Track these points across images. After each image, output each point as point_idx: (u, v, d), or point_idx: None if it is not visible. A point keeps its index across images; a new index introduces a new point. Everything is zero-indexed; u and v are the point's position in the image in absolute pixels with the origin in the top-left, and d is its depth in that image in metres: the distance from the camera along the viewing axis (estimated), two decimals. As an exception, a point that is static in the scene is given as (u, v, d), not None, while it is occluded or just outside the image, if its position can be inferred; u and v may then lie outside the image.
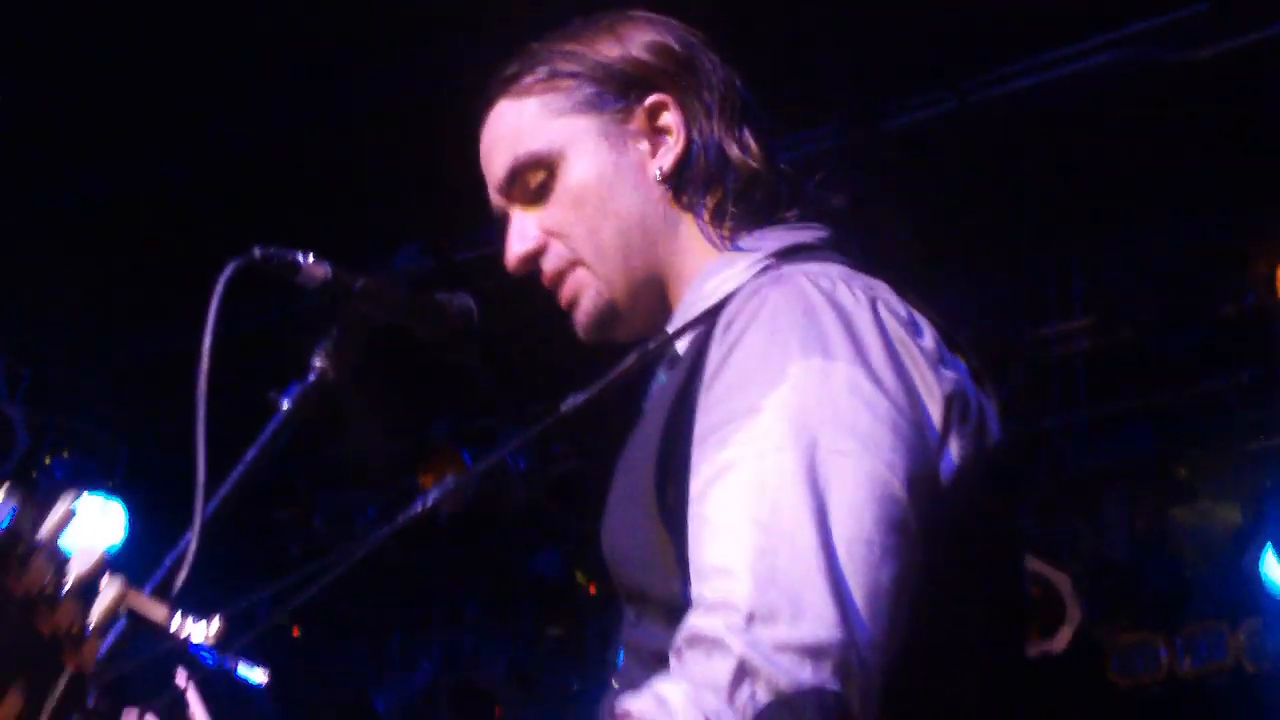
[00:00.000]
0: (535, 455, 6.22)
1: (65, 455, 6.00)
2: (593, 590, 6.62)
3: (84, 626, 1.45)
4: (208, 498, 1.74)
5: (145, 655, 1.62)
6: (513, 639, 6.70)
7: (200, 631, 1.57)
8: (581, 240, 2.09)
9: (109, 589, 1.48)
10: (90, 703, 1.46)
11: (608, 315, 2.11)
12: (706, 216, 2.08)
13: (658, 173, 2.08)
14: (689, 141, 2.09)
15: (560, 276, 2.12)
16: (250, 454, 1.81)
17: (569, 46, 2.13)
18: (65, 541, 1.48)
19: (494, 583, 6.76)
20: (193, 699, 1.82)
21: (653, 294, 2.10)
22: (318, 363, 1.92)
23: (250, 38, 4.65)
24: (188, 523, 1.73)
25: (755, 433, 1.72)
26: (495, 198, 2.17)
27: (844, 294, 1.83)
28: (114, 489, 6.03)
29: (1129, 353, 5.61)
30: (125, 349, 5.89)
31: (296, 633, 6.90)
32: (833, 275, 1.86)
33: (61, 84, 4.80)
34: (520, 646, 6.68)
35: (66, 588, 1.45)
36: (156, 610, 1.56)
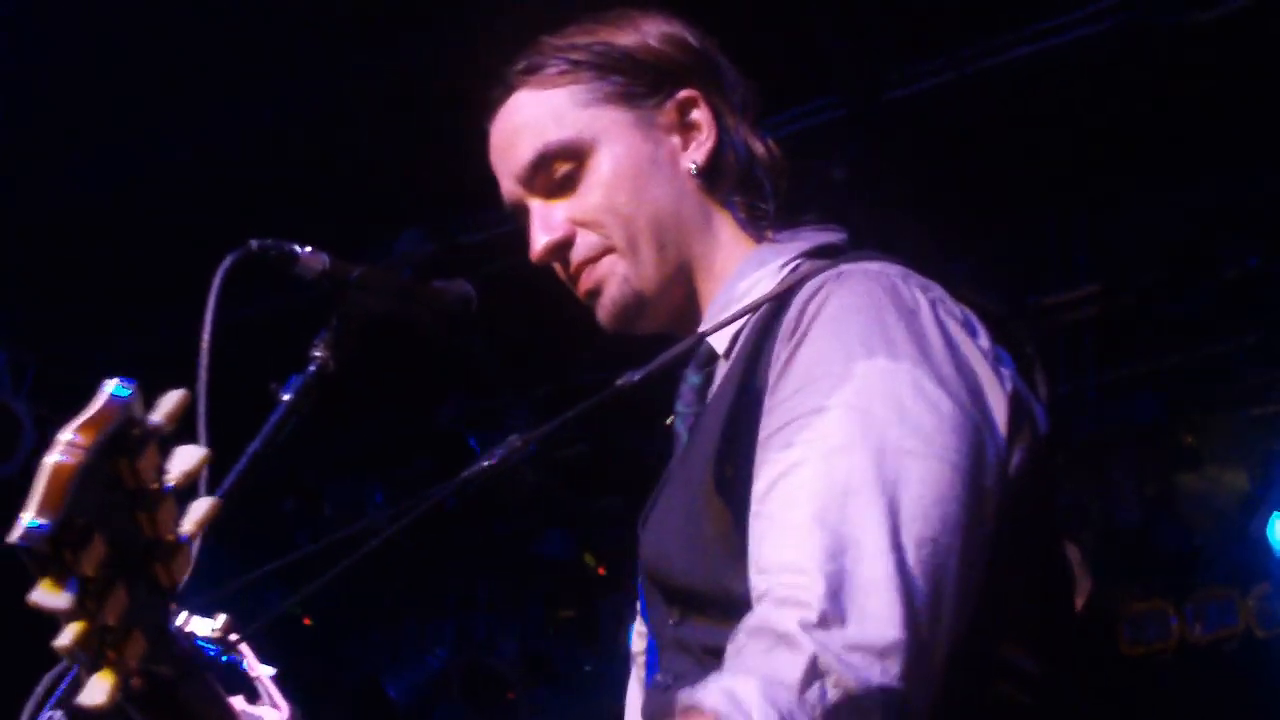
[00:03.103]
0: (543, 438, 6.22)
1: (71, 449, 5.98)
2: (602, 571, 6.63)
3: (179, 535, 1.32)
4: (211, 492, 1.74)
5: None
6: (524, 622, 6.71)
7: (205, 627, 1.56)
8: (615, 229, 2.06)
9: (204, 498, 1.35)
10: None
11: (634, 305, 2.08)
12: (742, 212, 2.08)
13: (692, 167, 2.08)
14: (720, 137, 2.09)
15: (586, 265, 2.08)
16: (253, 447, 1.80)
17: (586, 38, 2.11)
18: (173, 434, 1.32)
19: (504, 566, 6.77)
20: (247, 653, 1.80)
21: (681, 288, 2.09)
22: (318, 353, 1.92)
23: (250, 25, 4.63)
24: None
25: (821, 432, 1.73)
26: (513, 188, 2.13)
27: (905, 291, 1.84)
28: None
29: (1134, 319, 5.60)
30: (130, 342, 5.88)
31: (308, 621, 6.91)
32: (892, 274, 1.87)
33: (61, 76, 4.79)
34: (531, 629, 6.69)
35: (170, 486, 1.30)
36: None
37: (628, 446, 6.19)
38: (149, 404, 1.27)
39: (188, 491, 1.32)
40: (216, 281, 1.82)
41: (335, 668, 6.93)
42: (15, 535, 1.18)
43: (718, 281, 2.07)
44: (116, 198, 5.23)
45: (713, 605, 1.83)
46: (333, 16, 4.60)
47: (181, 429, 1.31)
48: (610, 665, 6.61)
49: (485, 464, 1.90)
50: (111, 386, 1.24)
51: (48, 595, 1.21)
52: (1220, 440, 5.91)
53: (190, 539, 1.31)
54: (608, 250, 2.07)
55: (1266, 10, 4.57)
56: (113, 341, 5.93)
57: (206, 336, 1.79)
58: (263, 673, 1.88)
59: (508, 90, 2.12)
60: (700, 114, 2.09)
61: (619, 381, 1.94)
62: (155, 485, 1.29)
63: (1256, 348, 5.64)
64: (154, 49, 4.67)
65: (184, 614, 1.58)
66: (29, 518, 1.18)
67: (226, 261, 1.85)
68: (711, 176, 2.08)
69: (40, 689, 1.61)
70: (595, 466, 6.32)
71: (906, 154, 5.07)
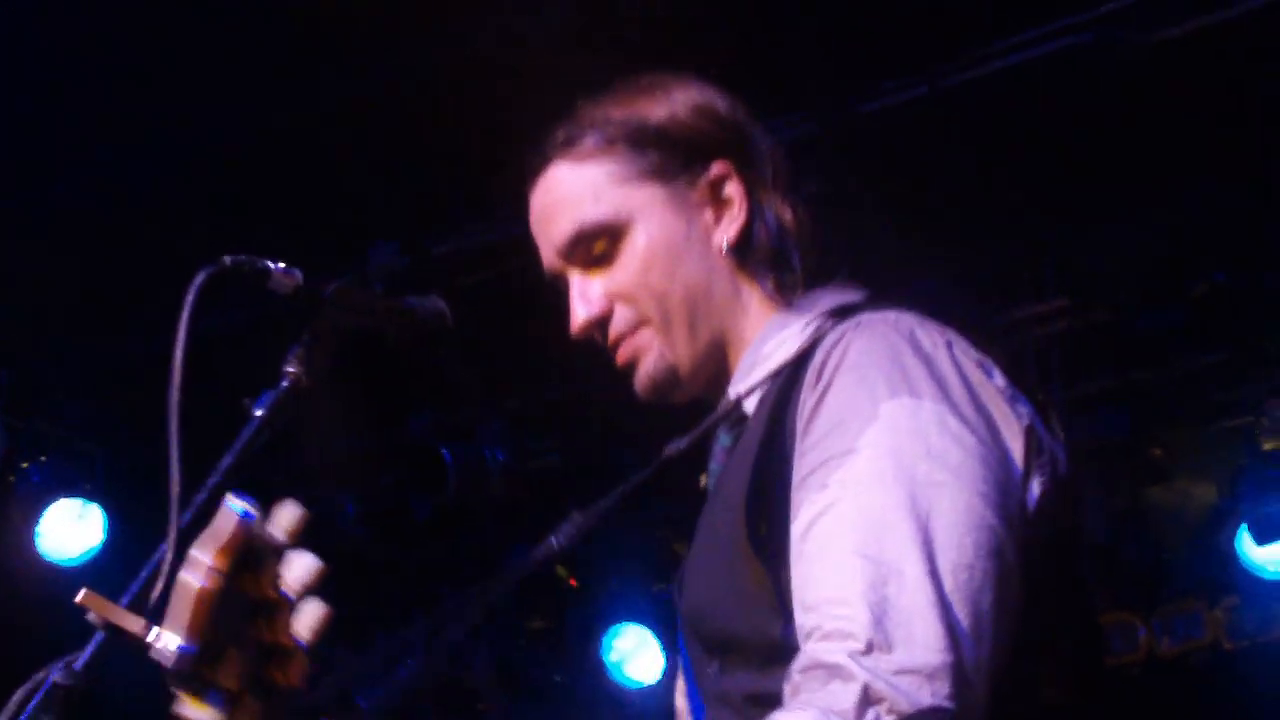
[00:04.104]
0: (514, 449, 6.22)
1: (43, 459, 5.97)
2: (573, 583, 6.64)
3: (295, 640, 1.41)
4: (183, 507, 1.74)
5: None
6: (495, 633, 6.70)
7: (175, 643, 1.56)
8: (649, 304, 2.14)
9: (318, 605, 1.44)
10: None
11: (669, 379, 2.16)
12: (770, 284, 2.15)
13: (724, 243, 2.14)
14: (751, 212, 2.15)
15: (623, 339, 2.16)
16: (225, 463, 1.81)
17: (622, 112, 2.17)
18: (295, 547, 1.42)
19: (475, 578, 6.76)
20: None
21: (714, 360, 2.16)
22: (290, 369, 1.92)
23: (221, 39, 4.63)
24: (166, 529, 1.73)
25: (854, 471, 1.82)
26: (552, 259, 2.20)
27: (923, 337, 1.94)
28: (92, 493, 5.99)
29: (1103, 334, 5.64)
30: (104, 352, 5.87)
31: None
32: (909, 321, 1.97)
33: (29, 86, 4.78)
34: (502, 640, 6.68)
35: (291, 597, 1.41)
36: (133, 622, 1.55)
37: (599, 459, 6.19)
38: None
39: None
40: (190, 297, 1.82)
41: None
42: (166, 659, 1.29)
43: (745, 348, 2.15)
44: (88, 208, 5.22)
45: (754, 653, 1.91)
46: (305, 30, 4.61)
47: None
48: (581, 677, 6.62)
49: (555, 545, 2.09)
50: (237, 507, 1.36)
51: (194, 711, 1.31)
52: (1189, 454, 5.95)
53: (307, 645, 1.42)
54: (643, 323, 2.14)
55: (1235, 28, 4.61)
56: (84, 350, 5.92)
57: (179, 352, 1.79)
58: None
59: (545, 161, 2.19)
60: (732, 189, 2.15)
61: (666, 451, 2.07)
62: (274, 594, 1.39)
63: (1224, 363, 5.68)
64: (125, 62, 4.67)
65: (154, 630, 1.57)
66: (176, 641, 1.28)
67: (199, 277, 1.85)
68: (742, 252, 2.15)
69: (12, 705, 1.61)
70: (566, 478, 6.32)
71: (878, 168, 5.10)
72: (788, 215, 2.16)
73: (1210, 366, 5.69)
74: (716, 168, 2.15)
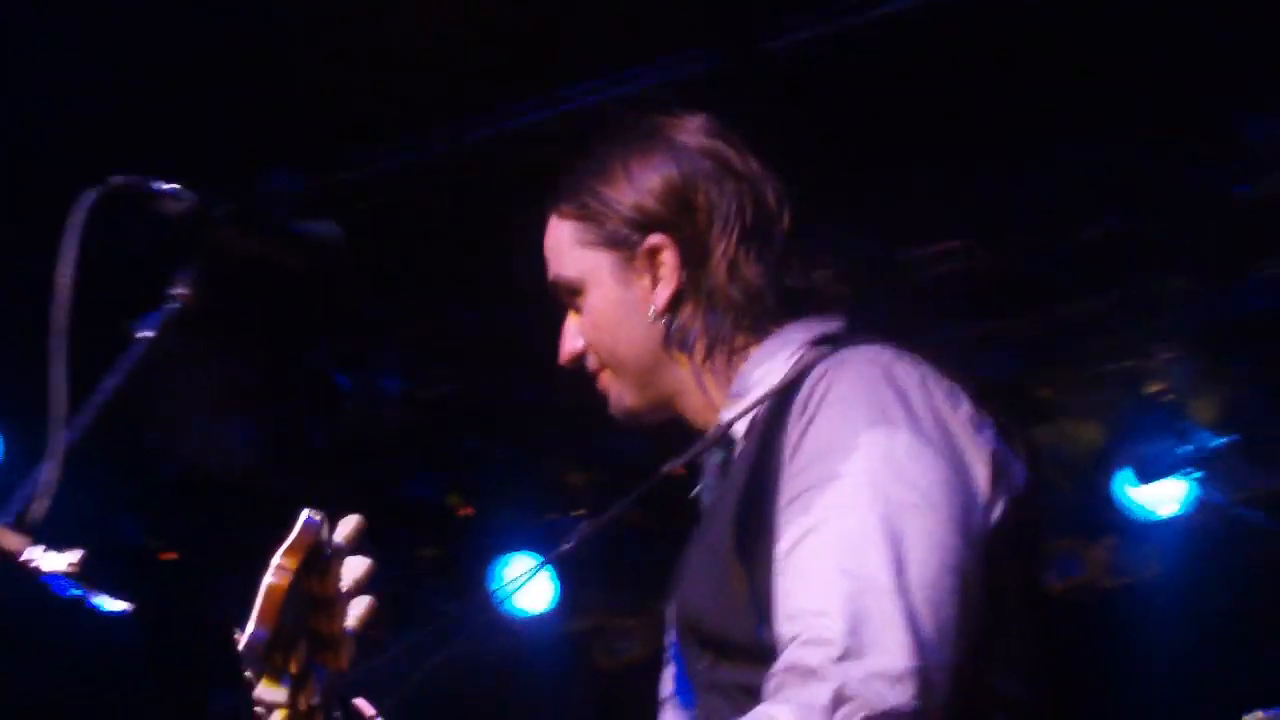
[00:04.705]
0: (410, 377, 6.20)
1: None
2: (466, 512, 6.65)
3: (345, 630, 1.63)
4: (68, 428, 1.73)
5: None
6: (386, 561, 6.69)
7: (58, 562, 1.57)
8: (604, 357, 2.45)
9: (366, 600, 1.68)
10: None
11: (628, 417, 2.47)
12: (702, 346, 2.38)
13: (651, 311, 2.39)
14: (680, 282, 2.38)
15: (596, 374, 2.48)
16: (109, 384, 1.80)
17: (597, 181, 2.43)
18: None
19: (367, 505, 6.75)
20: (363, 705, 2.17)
21: (666, 407, 2.46)
22: (179, 291, 1.91)
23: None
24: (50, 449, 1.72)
25: (834, 496, 2.07)
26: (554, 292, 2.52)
27: (899, 371, 2.19)
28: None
29: (992, 275, 5.70)
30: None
31: (172, 558, 6.82)
32: (886, 357, 2.22)
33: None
34: (393, 569, 6.68)
35: (344, 591, 1.63)
36: (11, 541, 1.56)
37: (497, 389, 6.20)
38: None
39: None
40: (77, 218, 1.80)
41: (195, 610, 6.86)
42: (241, 644, 1.51)
43: (704, 394, 2.39)
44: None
45: (742, 651, 2.15)
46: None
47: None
48: (470, 605, 6.64)
49: (565, 549, 2.32)
50: (305, 516, 1.57)
51: (269, 691, 1.55)
52: (1075, 396, 6.05)
53: (354, 633, 1.66)
54: (604, 367, 2.46)
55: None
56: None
57: (67, 272, 1.78)
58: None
59: (547, 206, 2.49)
60: (666, 257, 2.38)
61: (664, 468, 2.31)
62: (333, 592, 1.62)
63: (1112, 306, 5.77)
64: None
65: (39, 549, 1.58)
66: (251, 629, 1.51)
67: (88, 197, 1.83)
68: (673, 316, 2.39)
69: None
70: (462, 407, 6.32)
71: (780, 106, 5.10)
72: (721, 278, 2.34)
73: (1099, 310, 5.78)
74: (652, 240, 2.38)
